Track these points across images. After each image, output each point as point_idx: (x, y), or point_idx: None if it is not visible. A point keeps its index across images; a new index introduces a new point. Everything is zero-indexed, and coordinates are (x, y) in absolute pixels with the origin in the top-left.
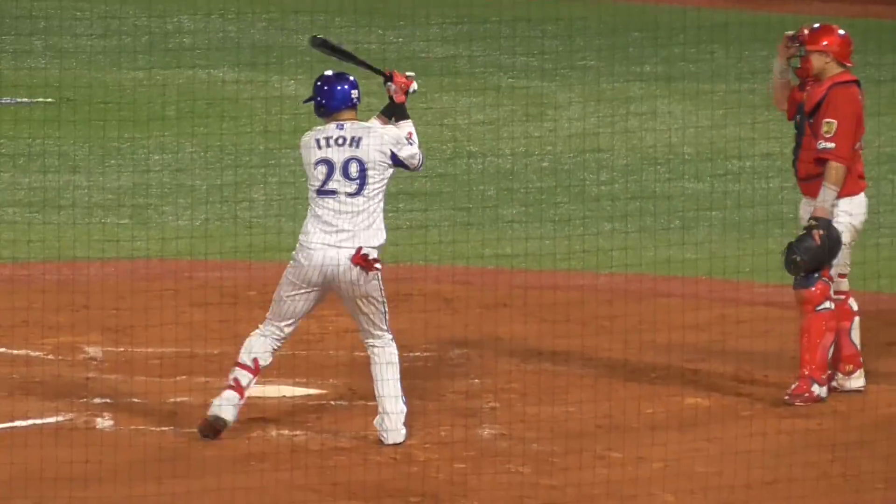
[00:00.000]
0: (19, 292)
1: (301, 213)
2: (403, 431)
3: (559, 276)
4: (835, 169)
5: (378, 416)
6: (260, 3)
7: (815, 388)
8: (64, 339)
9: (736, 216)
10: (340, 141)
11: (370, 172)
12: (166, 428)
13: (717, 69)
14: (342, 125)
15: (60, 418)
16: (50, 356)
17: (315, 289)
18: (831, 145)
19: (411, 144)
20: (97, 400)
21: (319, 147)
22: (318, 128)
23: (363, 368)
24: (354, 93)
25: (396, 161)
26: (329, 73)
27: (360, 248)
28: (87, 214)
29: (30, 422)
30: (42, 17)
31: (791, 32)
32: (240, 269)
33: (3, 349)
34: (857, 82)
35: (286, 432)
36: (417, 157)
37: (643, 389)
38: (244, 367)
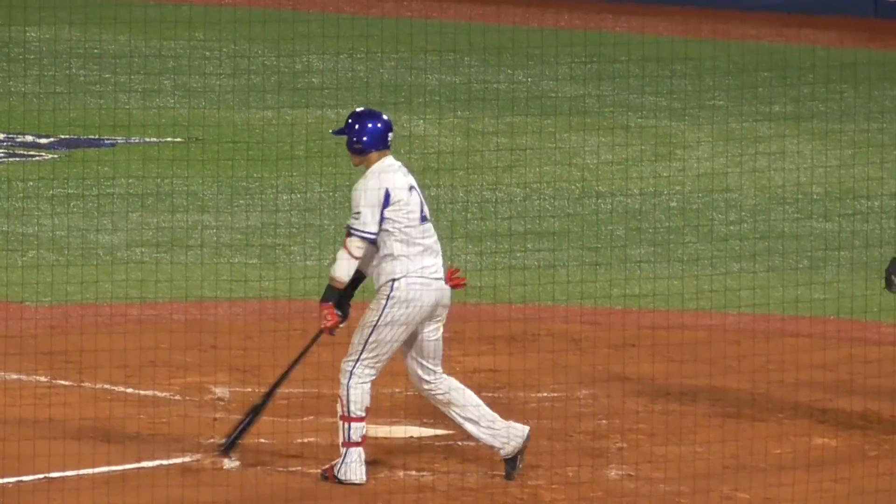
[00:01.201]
0: (147, 332)
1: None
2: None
3: (687, 315)
4: None
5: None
6: (389, 42)
7: None
8: (191, 380)
9: (864, 256)
10: (406, 170)
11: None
12: (293, 468)
13: (847, 108)
14: (397, 158)
15: (187, 459)
16: (177, 396)
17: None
18: None
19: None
20: (224, 440)
21: (404, 175)
22: (383, 166)
23: (491, 409)
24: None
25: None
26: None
27: (450, 268)
28: (215, 254)
29: (157, 462)
30: (171, 56)
31: None
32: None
33: (130, 389)
34: None
35: (413, 472)
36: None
37: (770, 429)
38: (360, 419)
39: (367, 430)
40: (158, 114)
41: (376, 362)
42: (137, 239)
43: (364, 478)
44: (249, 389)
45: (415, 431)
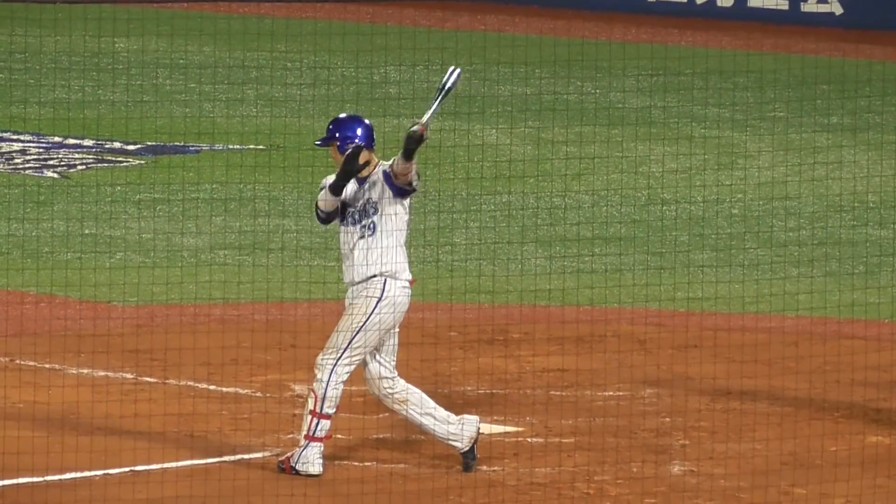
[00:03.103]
0: (230, 332)
1: (501, 258)
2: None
3: (747, 318)
4: None
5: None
6: (464, 54)
7: None
8: (271, 377)
9: None
10: None
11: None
12: (369, 463)
13: None
14: None
15: (267, 454)
16: (258, 393)
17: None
18: None
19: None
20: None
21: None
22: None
23: (559, 407)
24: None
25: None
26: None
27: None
28: (295, 257)
29: (238, 457)
30: (254, 66)
31: None
32: (441, 310)
33: (213, 386)
34: None
35: (484, 468)
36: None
37: (827, 428)
38: (328, 417)
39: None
40: (241, 122)
41: (356, 361)
42: (220, 242)
43: (321, 470)
44: None
45: (486, 428)
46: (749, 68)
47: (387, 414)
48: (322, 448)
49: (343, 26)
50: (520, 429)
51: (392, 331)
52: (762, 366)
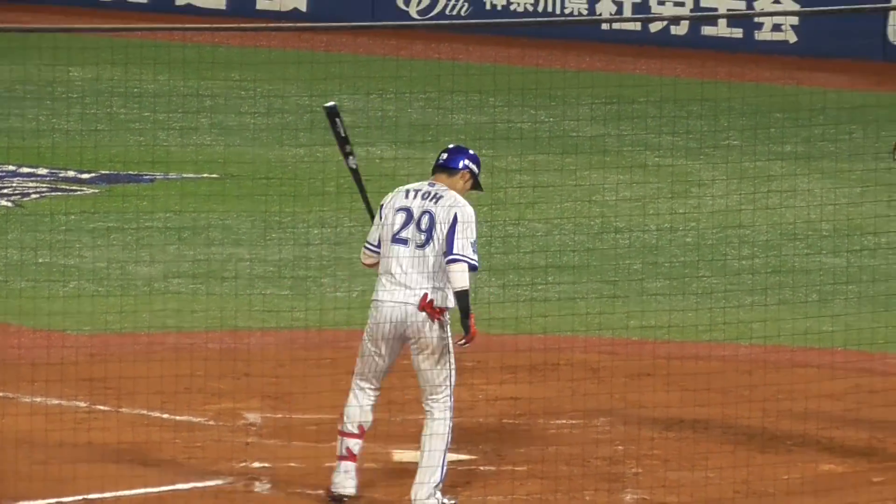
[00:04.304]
0: (183, 360)
1: None
2: (435, 499)
3: (701, 347)
4: None
5: (415, 484)
6: (418, 83)
7: None
8: (225, 406)
9: (871, 290)
10: (425, 195)
11: (439, 228)
12: (322, 491)
13: (856, 148)
14: (434, 183)
15: (220, 482)
16: (211, 422)
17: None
18: None
19: (472, 246)
20: (256, 464)
21: (406, 197)
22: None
23: (512, 435)
24: (463, 163)
25: (452, 229)
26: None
27: (426, 295)
28: (248, 286)
29: (191, 485)
30: (208, 95)
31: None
32: None
33: (166, 415)
34: None
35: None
36: (467, 257)
37: (780, 456)
38: (346, 434)
39: (360, 447)
40: (195, 151)
41: (361, 376)
42: (174, 270)
43: (351, 490)
44: (280, 415)
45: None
46: (703, 96)
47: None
48: (349, 467)
49: (297, 55)
50: (473, 457)
51: (413, 355)
52: (715, 394)
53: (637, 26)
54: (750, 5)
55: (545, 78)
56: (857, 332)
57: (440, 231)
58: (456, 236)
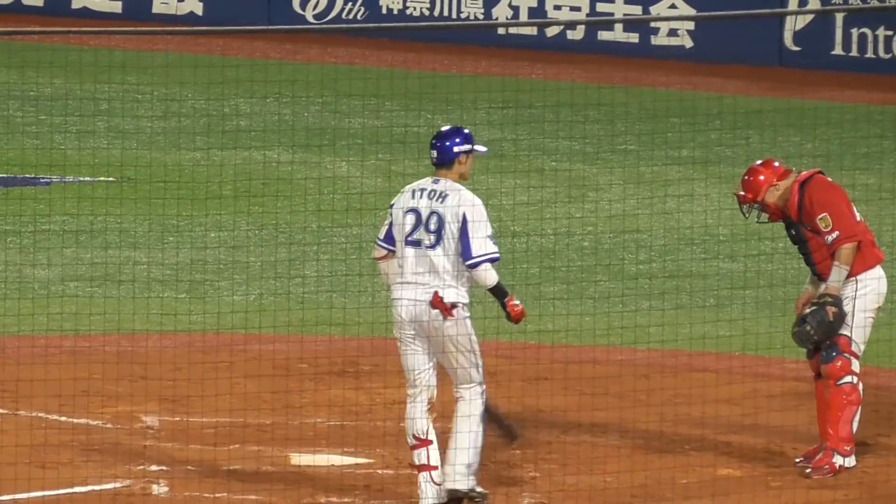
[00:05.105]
0: (80, 363)
1: (352, 290)
2: (468, 481)
3: (598, 351)
4: (846, 249)
5: (446, 465)
6: (314, 87)
7: (838, 459)
8: (122, 409)
9: (768, 295)
10: (431, 194)
11: (448, 228)
12: (220, 494)
13: (752, 154)
14: (438, 180)
15: (118, 485)
16: (109, 425)
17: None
18: (836, 234)
19: (490, 240)
20: (153, 467)
21: (413, 197)
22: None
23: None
24: (454, 151)
25: (464, 230)
26: (445, 127)
27: (436, 293)
28: (146, 289)
29: (88, 488)
30: (105, 98)
31: (741, 204)
32: (292, 342)
33: (64, 418)
34: (818, 171)
35: (334, 499)
36: (486, 256)
37: (678, 461)
38: (412, 446)
39: (425, 458)
40: (92, 154)
41: (407, 381)
42: (71, 274)
43: (432, 501)
44: (178, 418)
45: (336, 460)
46: (600, 101)
47: (237, 446)
48: (426, 476)
49: (194, 58)
50: (370, 461)
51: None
52: (613, 398)
53: (533, 31)
54: (646, 10)
55: (442, 82)
56: (754, 337)
57: (449, 231)
58: (471, 238)
